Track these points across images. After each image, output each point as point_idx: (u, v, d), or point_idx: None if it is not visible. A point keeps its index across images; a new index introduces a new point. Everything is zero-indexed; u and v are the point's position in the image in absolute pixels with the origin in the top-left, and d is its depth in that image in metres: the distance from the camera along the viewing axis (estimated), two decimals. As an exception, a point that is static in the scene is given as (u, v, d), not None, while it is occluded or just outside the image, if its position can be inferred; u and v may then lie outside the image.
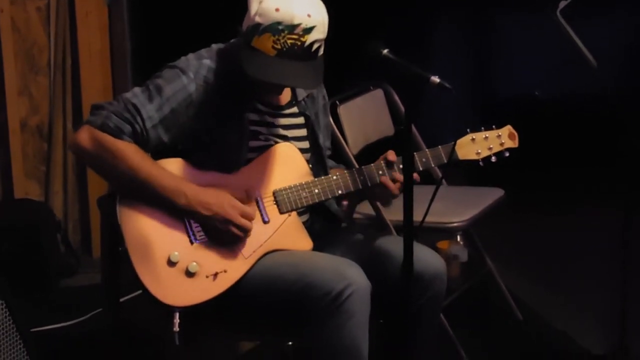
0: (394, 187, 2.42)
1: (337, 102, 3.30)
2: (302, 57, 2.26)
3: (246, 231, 2.33)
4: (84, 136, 2.31)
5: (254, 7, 2.27)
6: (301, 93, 2.53)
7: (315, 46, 2.28)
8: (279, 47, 2.25)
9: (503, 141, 2.55)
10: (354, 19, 3.82)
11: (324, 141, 2.61)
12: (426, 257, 2.42)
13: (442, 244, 3.74)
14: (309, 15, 2.25)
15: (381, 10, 4.33)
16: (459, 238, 3.75)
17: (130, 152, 2.30)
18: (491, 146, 2.54)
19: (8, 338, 2.74)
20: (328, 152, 2.66)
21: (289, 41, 2.24)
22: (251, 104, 2.43)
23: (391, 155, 2.45)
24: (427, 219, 2.26)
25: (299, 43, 2.25)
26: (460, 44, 4.88)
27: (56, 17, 3.96)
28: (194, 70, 2.36)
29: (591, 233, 4.06)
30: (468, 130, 2.53)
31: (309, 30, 2.25)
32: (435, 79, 2.16)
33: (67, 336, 3.39)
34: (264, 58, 2.26)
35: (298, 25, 2.24)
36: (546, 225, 4.27)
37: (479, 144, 2.53)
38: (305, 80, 2.32)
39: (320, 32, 2.27)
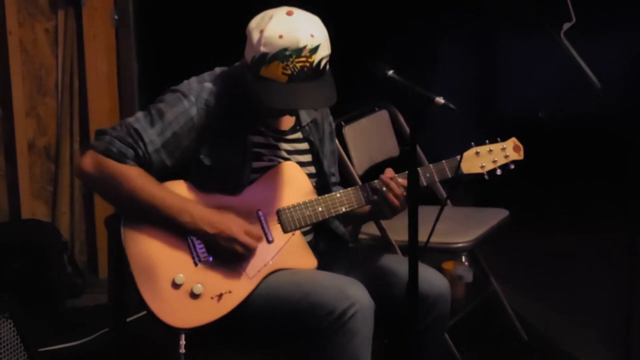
0: (395, 200, 2.42)
1: (342, 123, 3.31)
2: (313, 76, 2.28)
3: (250, 250, 2.34)
4: (88, 161, 2.34)
5: (255, 36, 2.29)
6: (305, 118, 2.54)
7: (323, 63, 2.30)
8: (289, 72, 2.27)
9: (508, 154, 2.54)
10: (358, 40, 3.84)
11: (329, 167, 2.61)
12: (430, 278, 2.42)
13: (447, 265, 3.74)
14: (312, 36, 2.27)
15: (385, 31, 4.35)
16: (464, 259, 3.75)
17: (134, 175, 2.32)
18: (496, 159, 2.53)
19: (17, 358, 2.74)
20: (334, 179, 2.66)
21: (298, 64, 2.26)
22: (254, 126, 2.45)
23: (389, 172, 2.45)
24: (432, 239, 2.26)
25: (308, 64, 2.27)
26: (464, 64, 4.90)
27: (64, 39, 3.99)
28: (196, 93, 2.38)
29: (596, 253, 4.05)
30: (472, 143, 2.53)
31: (315, 49, 2.27)
32: (440, 100, 2.17)
33: (73, 356, 3.40)
34: (277, 86, 2.28)
35: (304, 47, 2.25)
36: (551, 245, 4.27)
37: (484, 158, 2.52)
38: (322, 98, 2.33)
39: (325, 48, 2.30)
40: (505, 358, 3.38)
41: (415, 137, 2.22)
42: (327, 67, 2.33)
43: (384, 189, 2.42)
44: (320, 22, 2.33)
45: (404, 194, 2.41)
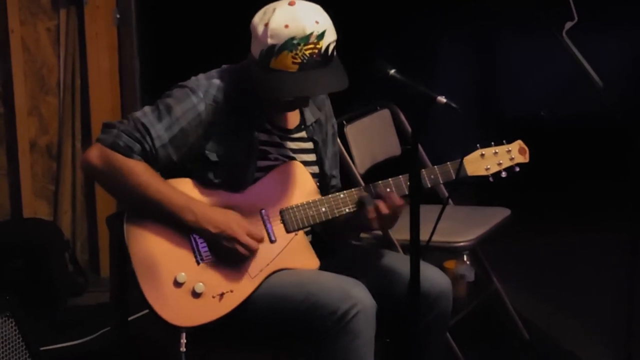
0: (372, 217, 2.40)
1: (344, 122, 3.31)
2: (323, 63, 2.29)
3: (252, 250, 2.34)
4: (95, 154, 2.34)
5: (260, 30, 2.29)
6: (309, 118, 2.54)
7: (331, 48, 2.31)
8: (299, 60, 2.27)
9: (513, 156, 2.54)
10: (359, 39, 3.84)
11: (330, 169, 2.61)
12: (432, 276, 2.42)
13: (449, 264, 3.74)
14: (317, 22, 2.27)
15: (387, 30, 4.35)
16: (465, 258, 3.75)
17: (140, 170, 2.32)
18: (501, 161, 2.52)
19: (18, 356, 2.74)
20: (334, 181, 2.64)
21: (307, 52, 2.26)
22: (261, 124, 2.45)
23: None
24: (434, 238, 2.26)
25: (316, 50, 2.27)
26: (466, 63, 4.90)
27: (66, 38, 3.99)
28: (204, 89, 2.38)
29: (598, 252, 4.05)
30: (478, 145, 2.52)
31: (321, 35, 2.27)
32: (442, 99, 2.17)
33: (75, 355, 3.40)
34: (288, 76, 2.28)
35: (311, 34, 2.26)
36: (553, 244, 4.27)
37: (489, 160, 2.52)
38: (334, 83, 2.32)
39: (331, 34, 2.30)
40: (507, 357, 3.38)
41: (416, 137, 2.22)
42: (335, 52, 2.33)
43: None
44: (322, 9, 2.33)
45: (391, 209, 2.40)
